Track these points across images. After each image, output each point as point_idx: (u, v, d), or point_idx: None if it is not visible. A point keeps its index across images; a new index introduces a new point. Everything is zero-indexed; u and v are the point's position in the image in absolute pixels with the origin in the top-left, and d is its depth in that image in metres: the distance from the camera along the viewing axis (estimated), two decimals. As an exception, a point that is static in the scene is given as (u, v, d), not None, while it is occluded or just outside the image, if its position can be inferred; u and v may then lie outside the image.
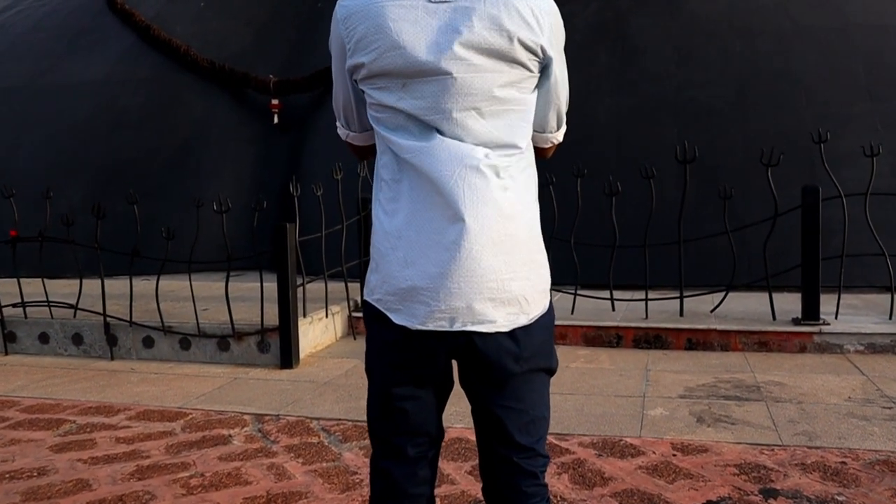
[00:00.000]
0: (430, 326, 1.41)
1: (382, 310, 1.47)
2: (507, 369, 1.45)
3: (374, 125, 1.50)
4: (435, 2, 1.38)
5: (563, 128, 1.63)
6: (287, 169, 7.67)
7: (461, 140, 1.41)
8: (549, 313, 1.54)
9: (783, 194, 4.86)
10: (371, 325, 1.52)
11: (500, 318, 1.43)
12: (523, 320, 1.45)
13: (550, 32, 1.46)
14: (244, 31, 8.83)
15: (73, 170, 7.81)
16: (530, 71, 1.45)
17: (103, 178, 7.78)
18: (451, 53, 1.38)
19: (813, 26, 7.03)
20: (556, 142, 1.66)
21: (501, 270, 1.42)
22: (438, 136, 1.41)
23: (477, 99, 1.41)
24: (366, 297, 1.53)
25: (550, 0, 1.48)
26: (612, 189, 4.80)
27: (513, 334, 1.44)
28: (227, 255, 4.49)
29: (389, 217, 1.47)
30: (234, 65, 8.24)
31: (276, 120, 7.90)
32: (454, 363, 1.50)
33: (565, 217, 4.86)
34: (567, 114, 1.64)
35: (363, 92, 1.48)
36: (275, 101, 7.86)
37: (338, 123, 1.61)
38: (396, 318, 1.44)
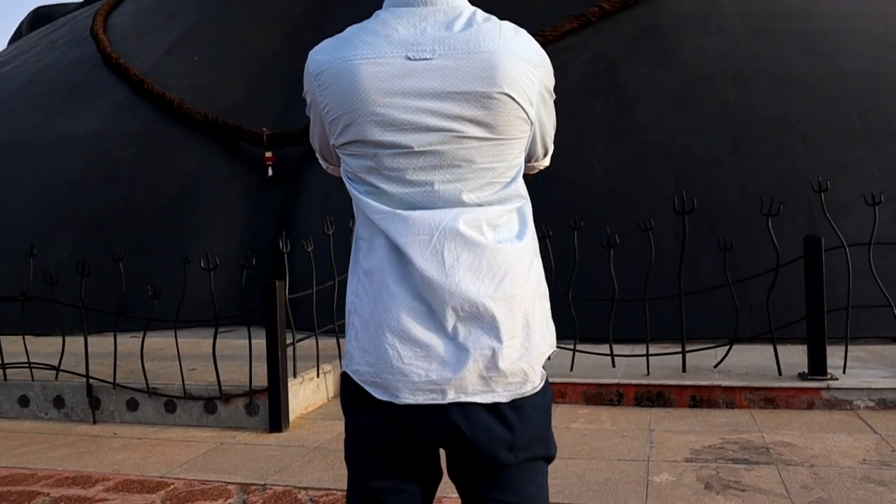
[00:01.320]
0: (420, 400, 1.28)
1: (363, 384, 1.33)
2: (500, 460, 1.31)
3: (346, 183, 1.39)
4: (415, 58, 1.28)
5: (550, 153, 1.53)
6: (280, 221, 7.58)
7: (440, 207, 1.30)
8: (546, 391, 1.40)
9: (784, 243, 4.76)
10: (349, 407, 1.38)
11: (498, 387, 1.30)
12: (527, 389, 1.32)
13: (540, 84, 1.36)
14: (238, 84, 8.83)
15: (63, 223, 7.70)
16: (520, 135, 1.35)
17: (94, 231, 7.68)
18: (432, 122, 1.28)
19: (806, 73, 7.03)
20: (541, 168, 1.56)
21: (500, 336, 1.29)
22: (415, 202, 1.30)
23: (461, 171, 1.30)
24: (345, 368, 1.39)
25: (539, 50, 1.38)
26: (610, 242, 4.69)
27: (506, 419, 1.30)
28: (214, 313, 4.35)
29: (368, 278, 1.34)
30: (227, 118, 8.22)
31: (270, 172, 7.84)
32: (442, 452, 1.36)
33: (562, 271, 4.74)
34: (560, 162, 1.53)
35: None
36: (268, 154, 7.80)
37: (317, 156, 1.51)
38: (379, 394, 1.31)
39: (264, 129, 7.86)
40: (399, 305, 1.29)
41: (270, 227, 7.56)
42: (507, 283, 1.30)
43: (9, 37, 15.76)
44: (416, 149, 1.28)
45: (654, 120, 6.89)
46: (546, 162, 1.56)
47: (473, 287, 1.28)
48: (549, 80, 1.42)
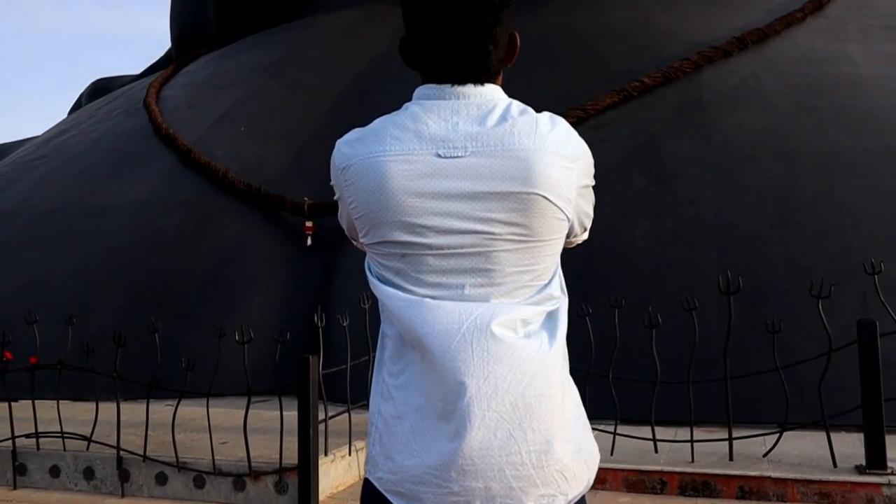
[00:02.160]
0: None
1: (385, 493, 1.25)
2: None
3: (368, 277, 1.34)
4: (446, 156, 1.23)
5: (588, 228, 1.46)
6: (318, 291, 7.59)
7: (470, 302, 1.23)
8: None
9: (835, 324, 4.57)
10: None
11: (531, 501, 1.20)
12: (561, 502, 1.21)
13: (579, 179, 1.30)
14: (282, 153, 9.01)
15: (107, 290, 7.82)
16: (557, 235, 1.28)
17: (136, 298, 7.77)
18: (463, 225, 1.22)
19: (852, 149, 6.90)
20: (580, 242, 1.48)
21: (529, 441, 1.19)
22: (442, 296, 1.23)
23: (494, 275, 1.24)
24: (367, 475, 1.31)
25: (577, 142, 1.32)
26: (652, 321, 4.56)
27: None
28: (247, 387, 4.31)
29: (394, 378, 1.27)
30: (269, 187, 8.35)
31: (309, 242, 7.90)
32: None
33: (602, 349, 4.61)
34: (601, 237, 1.45)
35: None
36: (308, 224, 7.88)
37: (346, 234, 1.46)
38: None
39: (305, 199, 7.96)
40: (424, 411, 1.22)
41: (308, 296, 7.57)
42: (539, 382, 1.22)
43: (70, 106, 16.44)
44: (446, 251, 1.23)
45: (697, 195, 6.79)
46: (584, 236, 1.49)
47: (502, 386, 1.19)
48: (589, 172, 1.36)
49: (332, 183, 1.40)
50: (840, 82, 7.72)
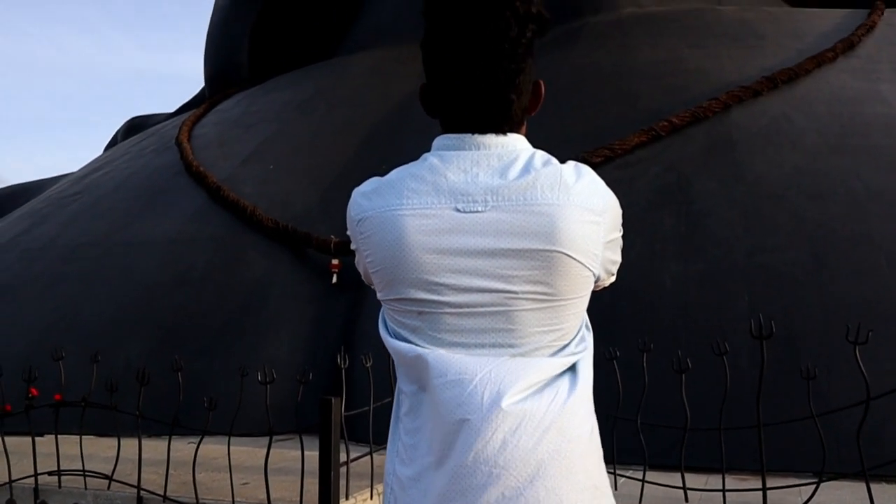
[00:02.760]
0: None
1: None
2: None
3: (381, 332, 1.30)
4: (465, 211, 1.19)
5: (615, 271, 1.39)
6: (343, 329, 7.56)
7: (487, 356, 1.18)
8: None
9: (873, 370, 4.41)
10: None
11: None
12: None
13: (607, 233, 1.25)
14: (309, 191, 9.07)
15: (134, 325, 7.87)
16: (582, 293, 1.23)
17: (163, 334, 7.81)
18: (483, 284, 1.17)
19: (888, 189, 6.77)
20: (607, 285, 1.41)
21: (542, 501, 1.13)
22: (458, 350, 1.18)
23: (514, 335, 1.19)
24: None
25: (604, 192, 1.27)
26: (682, 366, 4.45)
27: None
28: (268, 428, 4.26)
29: (410, 437, 1.22)
30: (297, 224, 8.40)
31: (334, 280, 7.90)
32: None
33: (630, 394, 4.50)
34: (629, 278, 1.38)
35: None
36: (335, 261, 7.89)
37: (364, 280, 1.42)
38: None
39: (332, 236, 7.98)
40: (442, 476, 1.16)
41: (333, 334, 7.55)
42: (553, 436, 1.15)
43: (106, 143, 16.81)
44: (464, 310, 1.18)
45: (727, 236, 6.69)
46: (612, 279, 1.44)
47: (511, 441, 1.13)
48: (617, 224, 1.31)
49: (348, 233, 1.37)
50: (873, 122, 7.61)
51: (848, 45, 9.17)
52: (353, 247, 1.38)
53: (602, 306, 1.46)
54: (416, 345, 1.22)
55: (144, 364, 5.31)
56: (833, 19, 10.15)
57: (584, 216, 1.21)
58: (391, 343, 1.27)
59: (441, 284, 1.18)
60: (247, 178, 9.25)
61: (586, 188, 1.24)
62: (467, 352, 1.19)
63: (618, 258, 1.38)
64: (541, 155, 1.27)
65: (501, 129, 1.27)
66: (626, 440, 4.61)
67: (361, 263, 1.37)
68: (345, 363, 4.44)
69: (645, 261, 6.50)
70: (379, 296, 1.29)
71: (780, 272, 6.30)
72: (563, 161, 1.31)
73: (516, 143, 1.28)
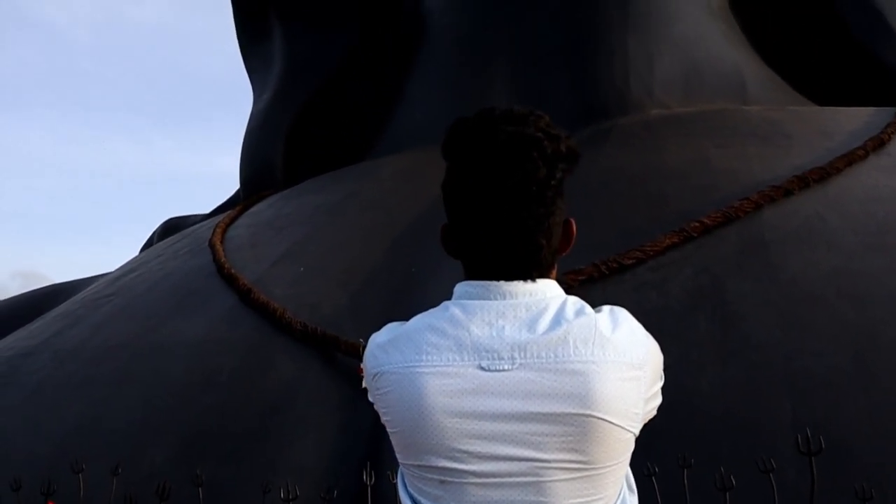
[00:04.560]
0: None
1: None
2: None
3: (400, 492, 1.20)
4: (490, 369, 1.10)
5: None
6: (371, 436, 7.37)
7: None
8: None
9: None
10: None
11: None
12: None
13: (648, 387, 1.15)
14: (338, 293, 9.06)
15: (159, 430, 7.76)
16: (620, 459, 1.13)
17: (189, 439, 7.68)
18: (510, 451, 1.08)
19: (932, 292, 6.55)
20: None
21: None
22: None
23: None
24: None
25: (643, 340, 1.16)
26: (725, 483, 4.22)
27: None
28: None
29: None
30: (326, 327, 8.35)
31: (363, 384, 7.76)
32: None
33: (671, 514, 4.25)
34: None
35: None
36: (362, 366, 7.78)
37: None
38: None
39: (360, 340, 7.90)
40: None
41: (361, 441, 7.35)
42: None
43: (142, 243, 17.19)
44: (491, 480, 1.09)
45: (765, 340, 6.48)
46: (652, 414, 1.33)
47: None
48: (658, 374, 1.21)
49: (363, 385, 1.30)
50: (912, 220, 7.47)
51: (878, 143, 9.12)
52: (370, 398, 1.30)
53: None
54: None
55: (168, 472, 5.19)
56: (861, 118, 10.15)
57: (623, 373, 1.11)
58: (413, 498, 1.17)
59: (464, 451, 1.08)
60: (277, 280, 9.30)
61: (624, 338, 1.14)
62: None
63: (658, 401, 1.28)
64: (573, 303, 1.18)
65: (530, 276, 1.18)
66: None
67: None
68: (371, 479, 4.28)
69: (680, 367, 6.29)
70: (398, 458, 1.20)
71: (822, 378, 6.05)
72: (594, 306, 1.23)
73: (546, 291, 1.19)
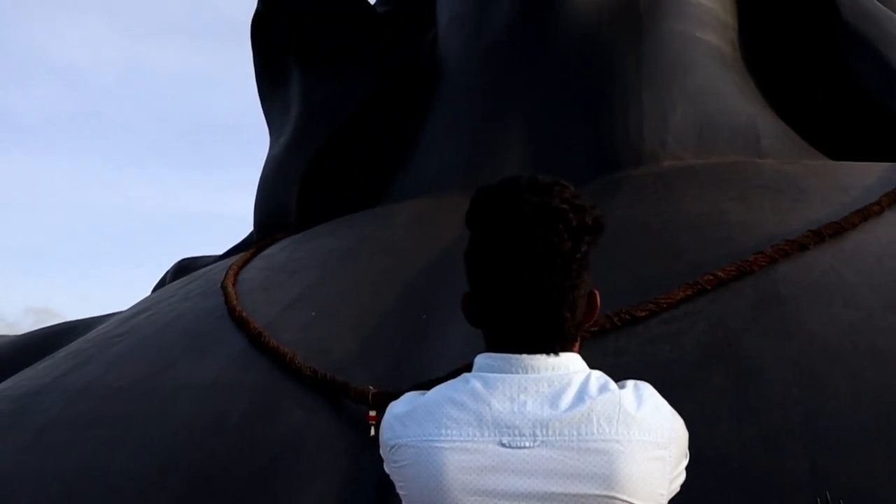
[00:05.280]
0: None
1: None
2: None
3: None
4: (511, 446, 1.08)
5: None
6: (379, 485, 7.25)
7: None
8: None
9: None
10: None
11: None
12: None
13: (674, 467, 1.12)
14: (349, 338, 9.03)
15: (163, 475, 7.67)
16: None
17: (194, 485, 7.59)
18: None
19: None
20: None
21: None
22: None
23: None
24: None
25: (668, 417, 1.14)
26: (743, 549, 4.09)
27: None
28: None
29: None
30: (335, 373, 8.29)
31: (372, 432, 7.67)
32: None
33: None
34: None
35: None
36: (372, 413, 7.69)
37: None
38: None
39: (370, 387, 7.84)
40: None
41: (368, 491, 7.24)
42: None
43: (155, 282, 17.21)
44: None
45: (782, 397, 6.37)
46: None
47: None
48: (683, 451, 1.19)
49: (380, 452, 1.27)
50: (930, 277, 7.39)
51: (893, 198, 9.07)
52: (386, 469, 1.27)
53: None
54: None
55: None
56: (875, 172, 10.11)
57: (648, 452, 1.09)
58: None
59: None
60: (289, 324, 9.28)
61: (649, 415, 1.12)
62: None
63: (683, 479, 1.24)
64: (597, 378, 1.15)
65: (553, 349, 1.16)
66: None
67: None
68: (377, 535, 4.18)
69: (695, 423, 6.14)
70: None
71: (841, 438, 5.93)
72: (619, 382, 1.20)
73: (569, 365, 1.17)
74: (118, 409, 8.65)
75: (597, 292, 1.15)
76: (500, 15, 12.16)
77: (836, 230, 8.40)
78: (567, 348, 1.10)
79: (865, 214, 8.76)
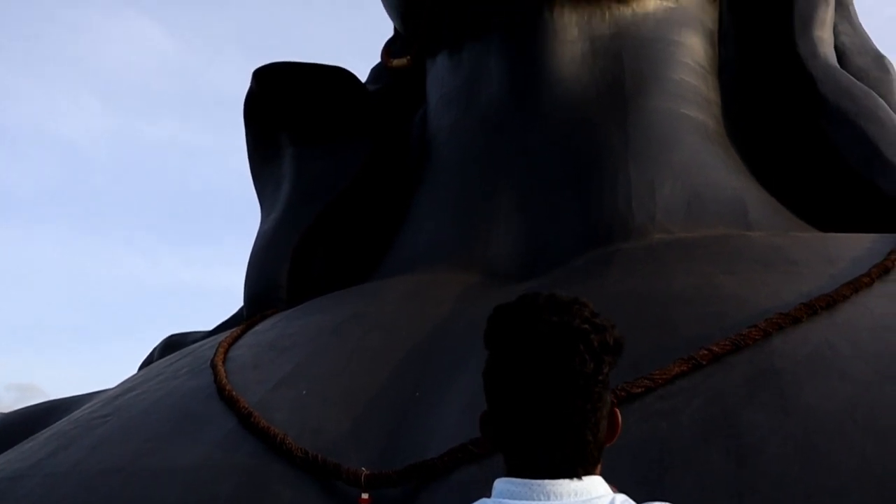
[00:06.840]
0: None
1: None
2: None
3: None
4: None
5: None
6: (370, 573, 7.01)
7: None
8: None
9: None
10: None
11: None
12: None
13: None
14: (341, 418, 8.86)
15: (148, 565, 7.39)
16: None
17: (178, 574, 7.30)
18: None
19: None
20: None
21: None
22: None
23: None
24: None
25: None
26: None
27: None
28: None
29: None
30: (327, 453, 8.10)
31: (363, 515, 7.46)
32: None
33: None
34: None
35: None
36: (364, 496, 7.51)
37: None
38: None
39: (362, 469, 7.66)
40: None
41: (360, 579, 6.99)
42: None
43: (142, 358, 16.91)
44: None
45: (782, 475, 6.25)
46: None
47: None
48: None
49: None
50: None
51: (883, 269, 9.13)
52: None
53: None
54: None
55: None
56: (864, 244, 10.21)
57: None
58: None
59: None
60: (279, 403, 9.11)
61: None
62: None
63: None
64: (622, 502, 1.10)
65: (576, 473, 1.11)
66: None
67: None
68: None
69: (695, 502, 6.05)
70: None
71: (846, 518, 5.80)
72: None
73: (591, 490, 1.12)
74: (102, 495, 8.38)
75: (618, 411, 1.10)
76: (490, 93, 12.42)
77: (828, 303, 8.40)
78: (590, 471, 1.05)
79: (856, 286, 8.78)
